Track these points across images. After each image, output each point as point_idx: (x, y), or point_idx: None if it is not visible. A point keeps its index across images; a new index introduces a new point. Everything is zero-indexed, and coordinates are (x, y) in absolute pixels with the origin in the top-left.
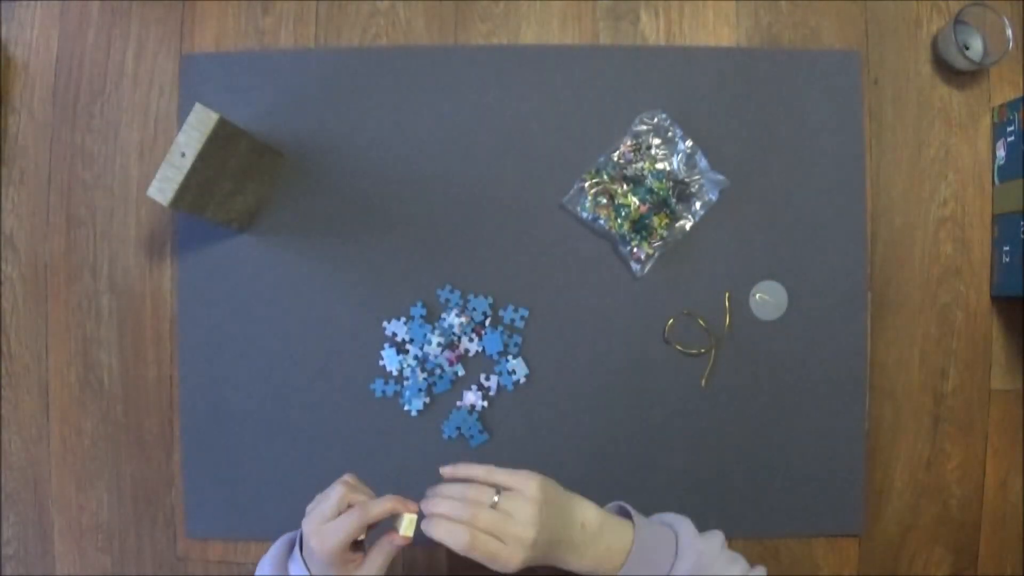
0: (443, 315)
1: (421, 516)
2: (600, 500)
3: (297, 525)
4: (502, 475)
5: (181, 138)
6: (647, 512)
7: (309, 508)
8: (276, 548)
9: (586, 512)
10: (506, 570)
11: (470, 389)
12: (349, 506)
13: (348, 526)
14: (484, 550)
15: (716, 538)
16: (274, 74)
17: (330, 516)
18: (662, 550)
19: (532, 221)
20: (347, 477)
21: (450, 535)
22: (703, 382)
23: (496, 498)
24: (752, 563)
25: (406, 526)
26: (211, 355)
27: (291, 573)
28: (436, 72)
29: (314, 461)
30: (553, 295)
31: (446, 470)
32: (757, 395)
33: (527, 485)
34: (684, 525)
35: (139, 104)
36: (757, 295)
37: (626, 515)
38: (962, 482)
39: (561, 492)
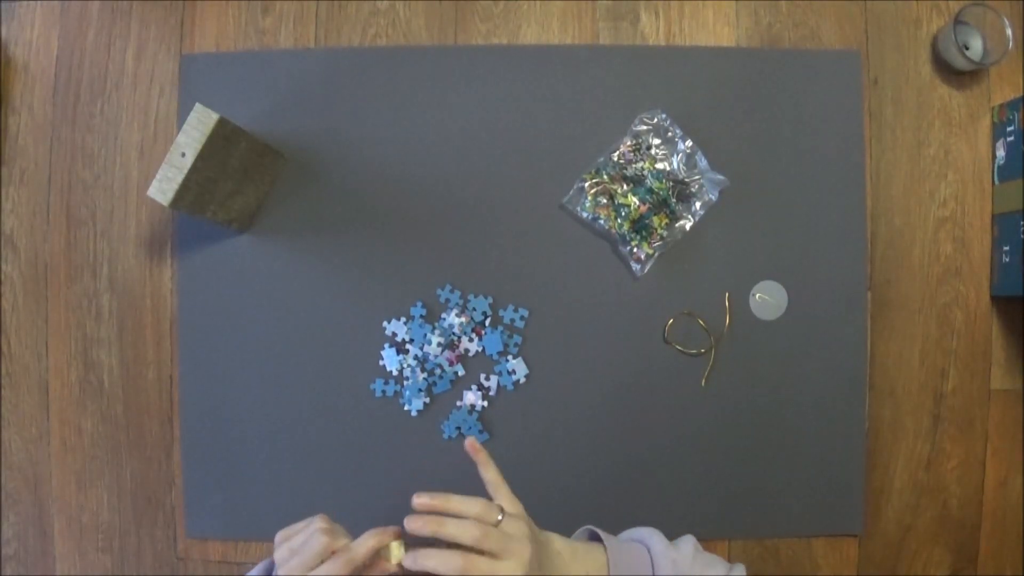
0: (443, 315)
1: (404, 535)
2: (599, 501)
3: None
4: (504, 491)
5: (181, 138)
6: (646, 518)
7: (278, 539)
8: None
9: (555, 541)
10: None
11: (470, 389)
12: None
13: (335, 572)
14: (480, 573)
15: (687, 544)
16: (274, 74)
17: (313, 565)
18: (637, 565)
19: (532, 221)
20: (321, 523)
21: (442, 561)
22: (703, 382)
23: (500, 516)
24: (733, 563)
25: (395, 554)
26: (211, 355)
27: None
28: (436, 72)
29: (314, 461)
30: (553, 295)
31: (422, 500)
32: (757, 395)
33: (516, 506)
34: (654, 538)
35: (139, 104)
36: (757, 295)
37: (596, 538)
38: (962, 482)
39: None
